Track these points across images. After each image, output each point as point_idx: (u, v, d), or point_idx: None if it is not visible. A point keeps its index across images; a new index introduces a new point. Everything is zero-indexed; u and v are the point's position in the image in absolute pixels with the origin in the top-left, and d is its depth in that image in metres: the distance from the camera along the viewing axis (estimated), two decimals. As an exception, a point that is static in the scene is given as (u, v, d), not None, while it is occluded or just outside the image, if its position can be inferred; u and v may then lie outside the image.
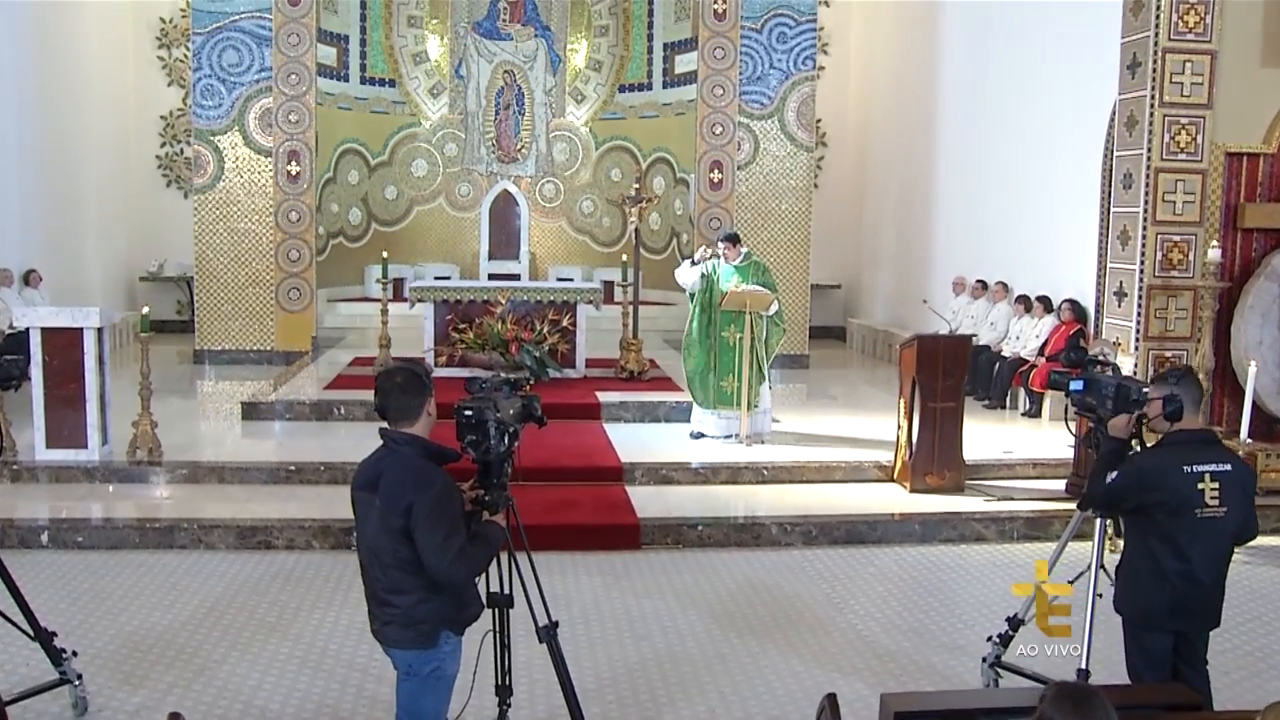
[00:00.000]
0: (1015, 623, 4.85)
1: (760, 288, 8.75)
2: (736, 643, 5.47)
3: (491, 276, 15.08)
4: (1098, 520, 4.42)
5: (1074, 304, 10.35)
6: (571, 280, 15.08)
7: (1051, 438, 9.55)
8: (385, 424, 3.35)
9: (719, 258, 8.82)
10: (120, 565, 6.44)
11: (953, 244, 13.44)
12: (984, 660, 4.95)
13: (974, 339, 10.43)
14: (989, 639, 4.96)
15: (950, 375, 7.90)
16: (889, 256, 15.55)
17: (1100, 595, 4.39)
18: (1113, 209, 8.74)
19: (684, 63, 14.93)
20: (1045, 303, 10.83)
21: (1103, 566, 4.40)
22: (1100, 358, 4.79)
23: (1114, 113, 9.69)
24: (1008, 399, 10.92)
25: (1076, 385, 4.44)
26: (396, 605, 3.27)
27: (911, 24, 14.74)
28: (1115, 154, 8.67)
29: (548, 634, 3.75)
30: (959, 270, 12.93)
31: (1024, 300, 11.22)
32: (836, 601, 6.13)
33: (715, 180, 13.09)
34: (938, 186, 13.83)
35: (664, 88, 15.41)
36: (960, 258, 13.08)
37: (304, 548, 6.77)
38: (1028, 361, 10.65)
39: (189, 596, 5.94)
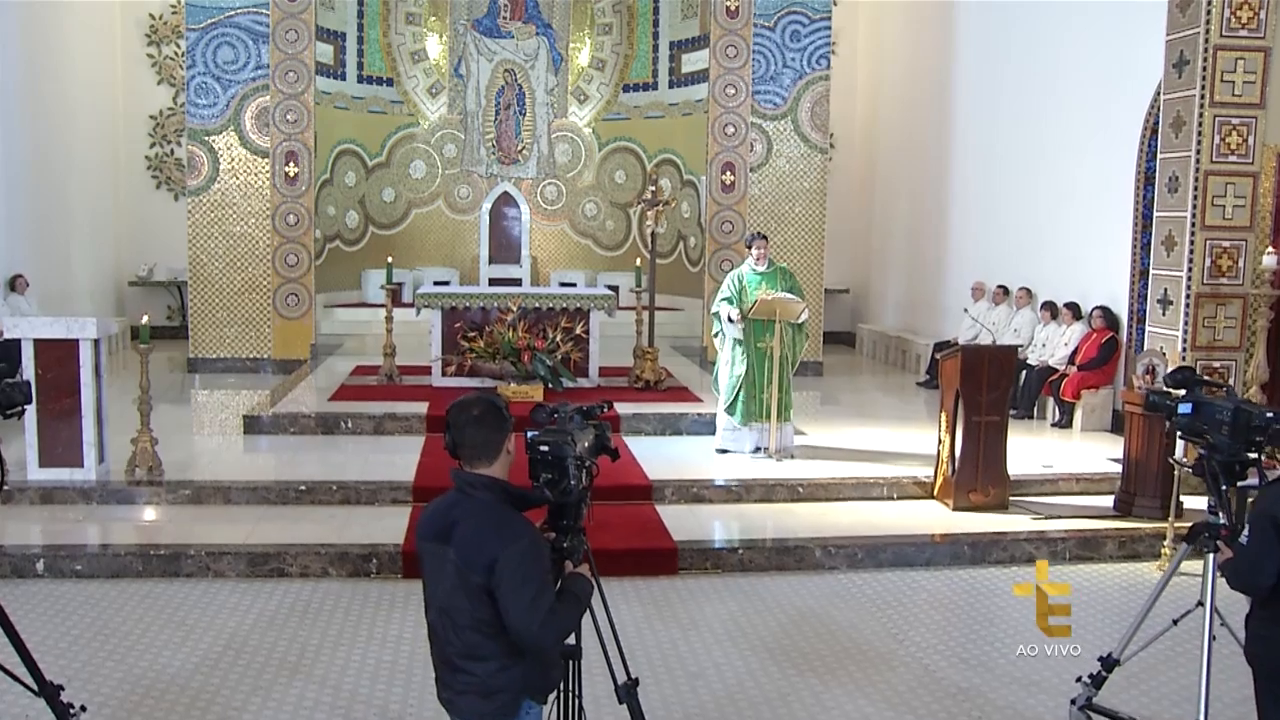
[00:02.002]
0: (1110, 663, 4.48)
1: (790, 295, 8.39)
2: (798, 681, 5.08)
3: (492, 281, 14.66)
4: (1209, 554, 4.05)
5: (1105, 311, 10.02)
6: (575, 285, 14.69)
7: (1086, 450, 9.23)
8: (459, 464, 2.93)
9: (753, 256, 8.46)
10: (123, 596, 5.99)
11: (968, 248, 13.11)
12: (1072, 703, 4.58)
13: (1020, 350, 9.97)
14: (1078, 679, 4.59)
15: (995, 387, 7.54)
16: (900, 260, 15.21)
17: (1214, 638, 4.03)
18: (1156, 213, 8.41)
19: (691, 62, 14.56)
20: (1074, 309, 10.50)
21: (1217, 610, 4.04)
22: (1207, 377, 4.42)
23: (1151, 112, 9.40)
24: (1035, 409, 10.59)
25: (1185, 409, 4.07)
26: (473, 673, 2.84)
27: (923, 22, 14.42)
28: (1159, 156, 8.35)
29: (627, 692, 3.34)
30: (975, 275, 12.60)
31: (1050, 307, 10.90)
32: (895, 632, 5.75)
33: (727, 182, 12.72)
34: (952, 188, 13.50)
35: (670, 87, 15.01)
36: (977, 262, 12.75)
37: (319, 575, 6.33)
38: (1057, 370, 10.31)
39: (200, 632, 5.49)
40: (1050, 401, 10.37)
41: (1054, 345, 10.58)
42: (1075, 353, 10.22)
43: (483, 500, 2.85)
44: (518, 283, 14.65)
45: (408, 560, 6.32)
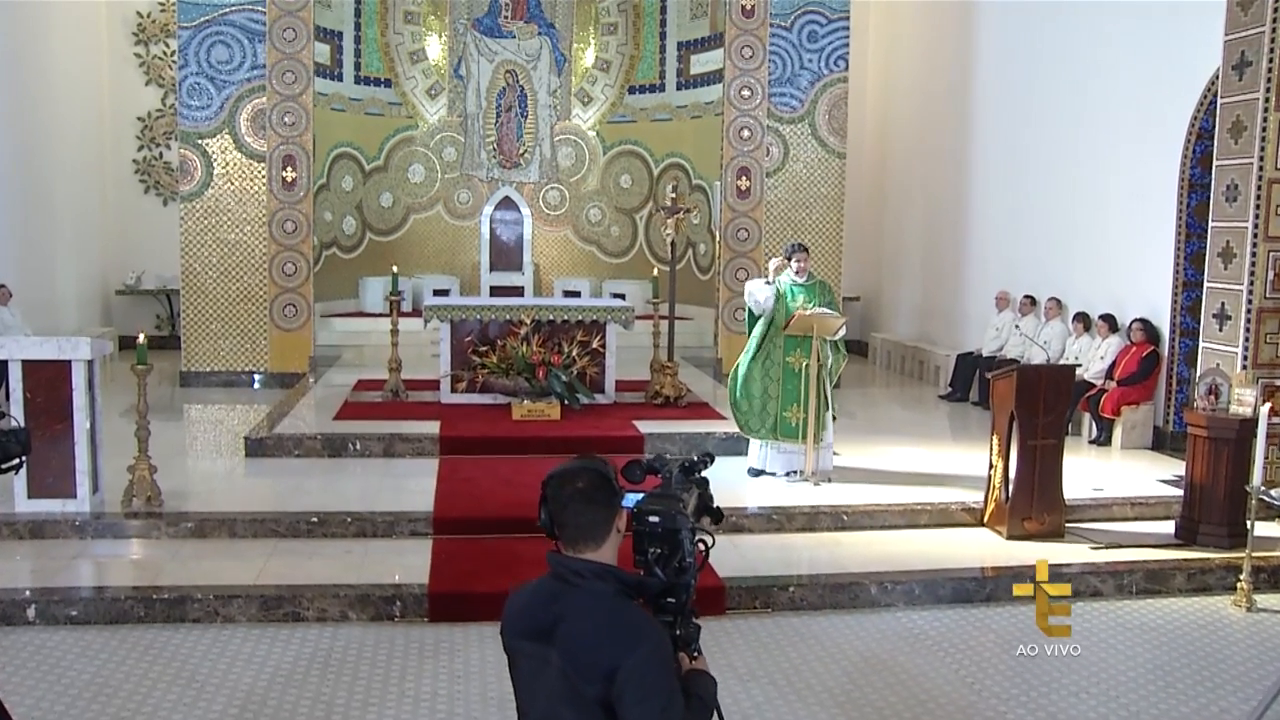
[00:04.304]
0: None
1: (829, 310, 7.95)
2: (877, 744, 4.62)
3: (493, 290, 14.17)
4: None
5: (1146, 323, 9.62)
6: (579, 294, 14.23)
7: (1132, 470, 8.82)
8: (558, 546, 2.44)
9: (792, 268, 7.99)
10: (123, 646, 5.45)
11: (990, 255, 12.70)
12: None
13: (1079, 369, 9.48)
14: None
15: (1052, 409, 7.12)
16: (915, 267, 14.79)
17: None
18: (1212, 223, 8.00)
19: (700, 63, 14.11)
20: (1109, 321, 10.09)
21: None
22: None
23: (1197, 115, 9.02)
24: (1070, 425, 10.13)
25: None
26: (581, 797, 2.36)
27: (940, 21, 14.00)
28: (1216, 163, 7.94)
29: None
30: (998, 283, 12.18)
31: (1083, 318, 10.48)
32: (969, 680, 5.30)
33: (743, 188, 12.26)
34: (972, 193, 13.08)
35: (678, 89, 14.55)
36: (1000, 270, 12.33)
37: (339, 620, 5.81)
38: (1093, 385, 9.89)
39: (212, 690, 4.97)
40: (1086, 418, 9.95)
41: (1088, 359, 10.17)
42: (1113, 367, 9.81)
43: (595, 592, 2.36)
44: (520, 291, 14.17)
45: (434, 603, 5.83)
